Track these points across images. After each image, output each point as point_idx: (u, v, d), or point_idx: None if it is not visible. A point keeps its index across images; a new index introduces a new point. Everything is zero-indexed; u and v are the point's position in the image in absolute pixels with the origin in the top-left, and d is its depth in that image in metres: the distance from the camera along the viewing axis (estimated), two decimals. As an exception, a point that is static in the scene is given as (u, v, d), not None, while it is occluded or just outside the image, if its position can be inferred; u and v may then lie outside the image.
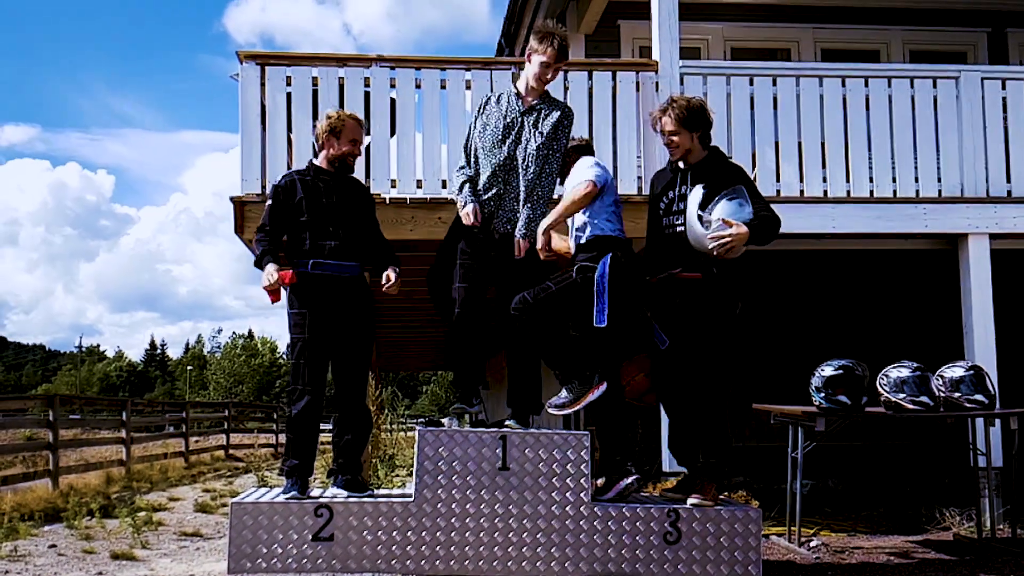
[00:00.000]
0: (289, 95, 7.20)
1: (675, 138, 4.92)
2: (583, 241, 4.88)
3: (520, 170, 4.91)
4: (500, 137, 4.93)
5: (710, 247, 4.64)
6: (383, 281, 5.07)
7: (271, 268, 4.77)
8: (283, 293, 4.88)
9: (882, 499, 8.17)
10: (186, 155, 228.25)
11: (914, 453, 8.93)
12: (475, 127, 5.06)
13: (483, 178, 4.94)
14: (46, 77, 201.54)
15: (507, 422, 4.88)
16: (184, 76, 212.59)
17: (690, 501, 4.68)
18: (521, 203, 4.88)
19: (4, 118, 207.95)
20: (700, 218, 4.69)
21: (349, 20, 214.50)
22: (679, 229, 4.84)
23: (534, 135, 4.93)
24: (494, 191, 4.91)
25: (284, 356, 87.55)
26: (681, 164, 5.00)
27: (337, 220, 4.95)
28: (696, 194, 4.77)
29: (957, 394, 6.00)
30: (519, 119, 4.96)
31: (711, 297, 4.79)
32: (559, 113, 4.98)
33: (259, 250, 4.92)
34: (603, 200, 4.89)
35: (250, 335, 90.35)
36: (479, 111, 5.08)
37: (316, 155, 5.17)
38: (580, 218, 4.91)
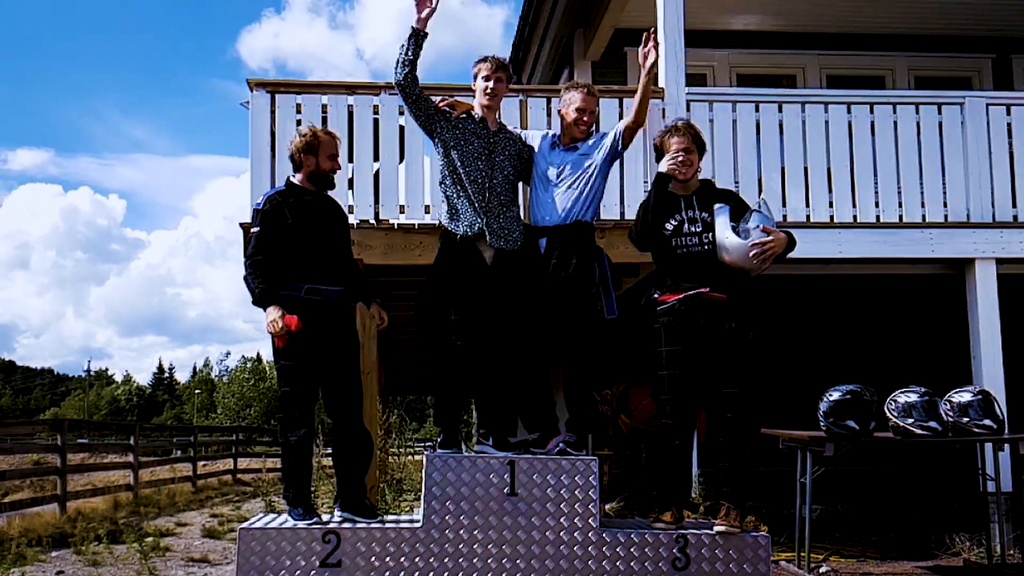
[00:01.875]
0: (299, 123, 7.25)
1: (692, 156, 4.93)
2: (580, 220, 5.02)
3: (493, 189, 5.01)
4: (484, 156, 5.02)
5: (751, 254, 4.67)
6: (376, 319, 5.18)
7: (275, 314, 4.61)
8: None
9: (892, 524, 8.13)
10: (197, 179, 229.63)
11: (923, 478, 8.90)
12: (447, 143, 5.06)
13: (466, 199, 5.00)
14: (60, 102, 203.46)
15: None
16: (195, 100, 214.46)
17: (716, 528, 4.65)
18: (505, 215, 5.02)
19: (18, 142, 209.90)
20: (736, 230, 4.73)
21: (361, 44, 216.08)
22: (694, 251, 4.84)
23: (508, 159, 5.08)
24: (481, 213, 4.96)
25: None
26: (676, 190, 4.97)
27: (324, 242, 4.87)
28: (723, 213, 4.81)
29: (965, 419, 5.99)
30: (491, 140, 5.06)
31: (734, 319, 4.78)
32: (522, 145, 5.23)
33: (256, 287, 4.69)
34: (605, 181, 5.18)
35: (258, 358, 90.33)
36: (447, 127, 5.06)
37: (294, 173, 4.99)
38: (586, 188, 5.06)
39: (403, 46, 5.00)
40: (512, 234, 5.00)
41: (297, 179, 4.94)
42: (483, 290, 4.89)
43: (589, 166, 5.10)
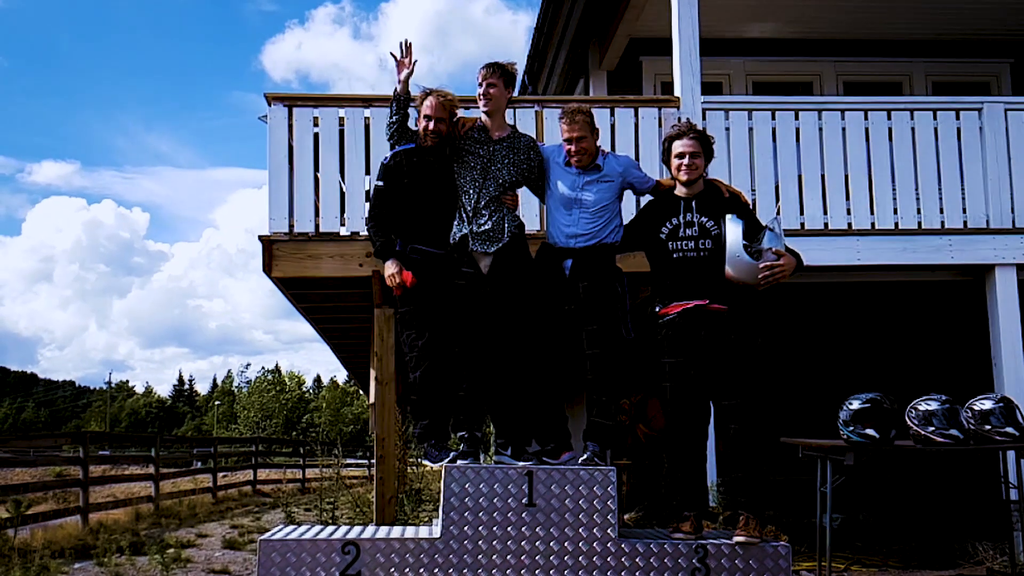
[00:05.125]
0: (316, 135, 7.32)
1: (697, 160, 4.94)
2: (608, 242, 5.02)
3: (484, 197, 5.01)
4: (479, 167, 5.04)
5: (760, 276, 4.67)
6: None
7: (392, 268, 4.97)
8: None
9: (914, 533, 8.06)
10: (219, 191, 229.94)
11: (945, 486, 8.82)
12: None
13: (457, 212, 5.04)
14: (84, 115, 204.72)
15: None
16: (218, 113, 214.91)
17: (735, 538, 4.65)
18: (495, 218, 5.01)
19: (44, 155, 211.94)
20: (747, 249, 4.71)
21: (384, 54, 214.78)
22: (690, 256, 4.86)
23: (508, 166, 5.05)
24: (470, 221, 5.00)
25: (311, 391, 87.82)
26: (679, 192, 5.01)
27: (435, 204, 5.05)
28: (736, 227, 4.78)
29: (987, 427, 5.94)
30: (491, 148, 5.07)
31: (736, 330, 4.78)
32: (531, 152, 5.16)
33: (376, 241, 5.09)
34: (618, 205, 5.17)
35: (277, 370, 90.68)
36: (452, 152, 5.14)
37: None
38: (610, 214, 5.07)
39: (390, 109, 5.23)
40: (500, 234, 4.98)
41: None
42: (479, 299, 4.94)
43: (613, 191, 5.09)
